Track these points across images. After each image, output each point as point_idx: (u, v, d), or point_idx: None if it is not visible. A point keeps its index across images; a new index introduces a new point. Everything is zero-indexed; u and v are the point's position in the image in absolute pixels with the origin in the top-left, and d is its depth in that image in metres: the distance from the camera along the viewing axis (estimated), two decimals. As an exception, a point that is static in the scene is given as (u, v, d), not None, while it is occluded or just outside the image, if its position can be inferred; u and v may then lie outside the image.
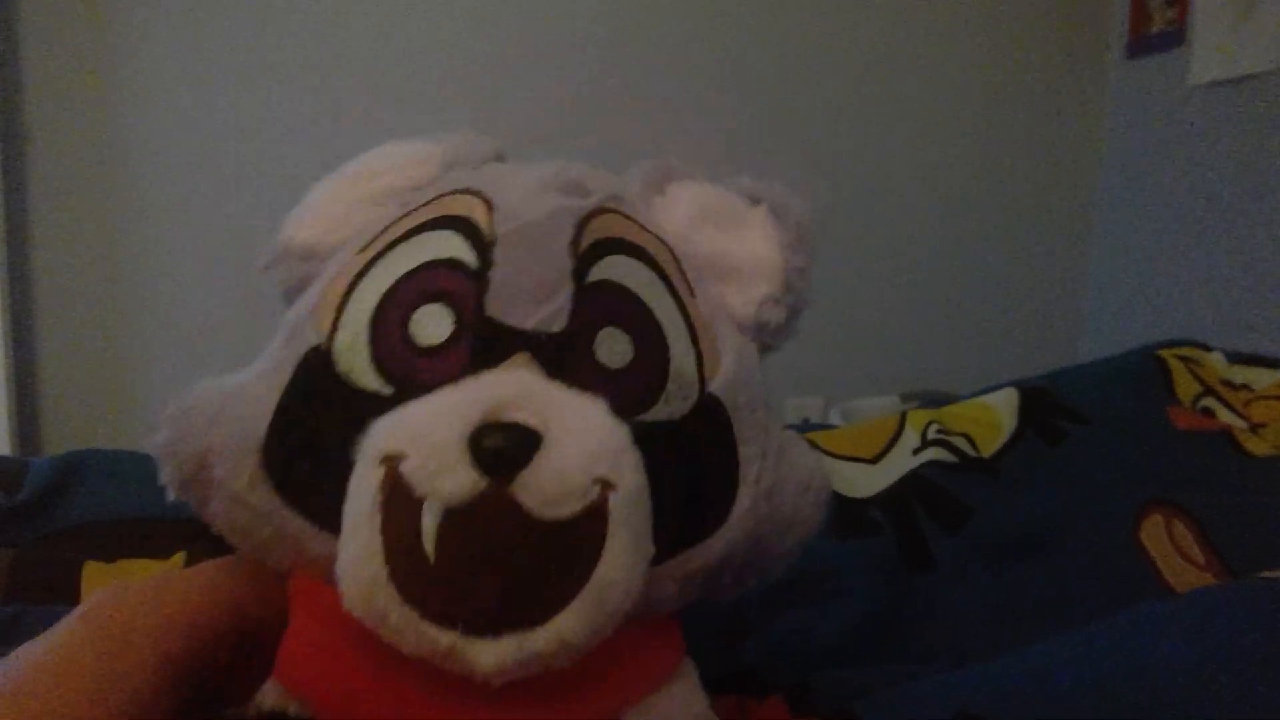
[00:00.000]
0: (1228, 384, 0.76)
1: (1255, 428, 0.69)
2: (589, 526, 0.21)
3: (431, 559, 0.20)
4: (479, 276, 0.25)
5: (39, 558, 0.52)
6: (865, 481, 0.62)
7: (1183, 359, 0.77)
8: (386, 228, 0.28)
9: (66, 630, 0.23)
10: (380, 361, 0.25)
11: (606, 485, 0.21)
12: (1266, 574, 0.44)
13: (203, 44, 1.62)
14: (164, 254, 1.67)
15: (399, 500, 0.21)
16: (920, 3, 1.76)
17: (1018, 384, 0.72)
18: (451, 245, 0.26)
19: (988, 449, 0.65)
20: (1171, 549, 0.56)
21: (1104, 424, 0.66)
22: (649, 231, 0.29)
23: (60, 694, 0.21)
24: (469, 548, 0.20)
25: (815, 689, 0.44)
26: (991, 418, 0.68)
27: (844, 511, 0.59)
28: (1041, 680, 0.39)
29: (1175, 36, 1.59)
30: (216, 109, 1.64)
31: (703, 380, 0.27)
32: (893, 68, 1.77)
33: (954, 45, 1.78)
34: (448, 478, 0.20)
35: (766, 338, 0.31)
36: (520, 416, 0.22)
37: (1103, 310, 1.84)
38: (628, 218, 0.29)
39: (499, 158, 0.33)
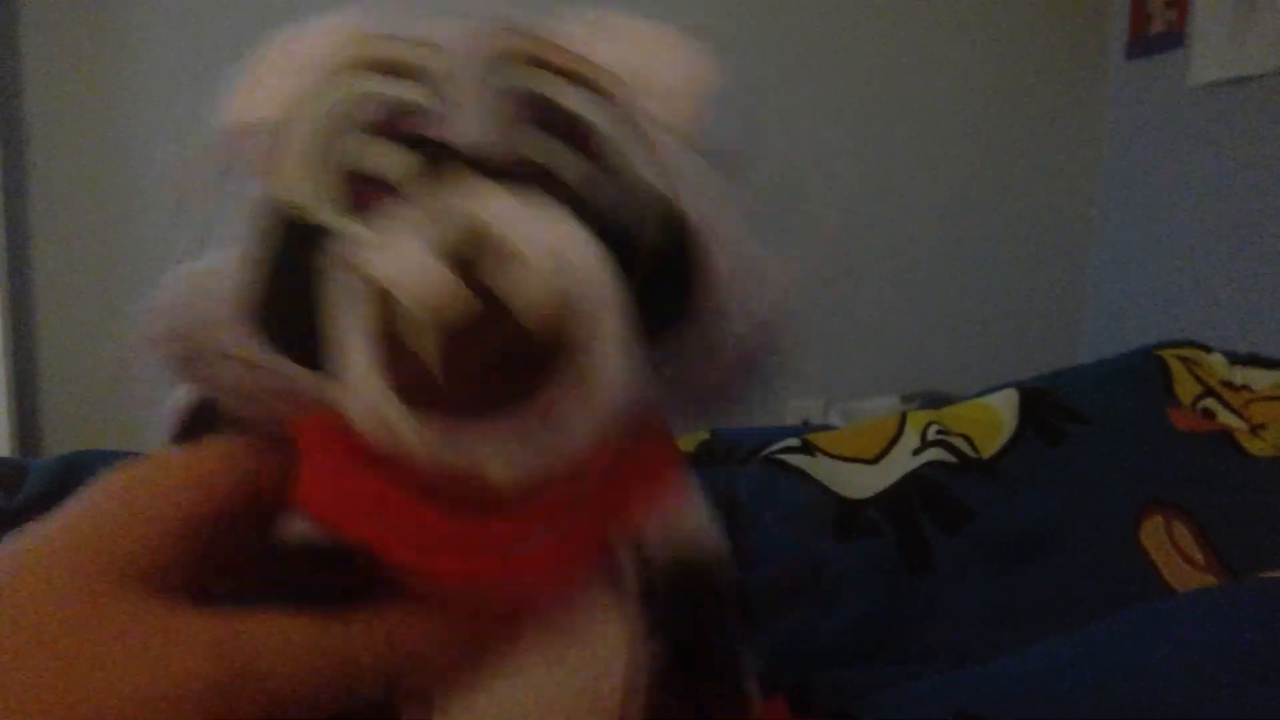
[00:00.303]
0: (1228, 385, 0.76)
1: (1255, 429, 0.70)
2: (576, 318, 0.22)
3: (437, 364, 0.21)
4: (425, 108, 0.26)
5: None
6: (865, 482, 0.62)
7: (1183, 359, 0.77)
8: (328, 84, 0.28)
9: (78, 499, 0.23)
10: (339, 200, 0.25)
11: (582, 279, 0.22)
12: (1266, 574, 0.44)
13: (203, 44, 1.62)
14: (164, 254, 1.67)
15: (389, 319, 0.21)
16: (920, 3, 1.76)
17: (1018, 384, 0.72)
18: (388, 84, 0.27)
19: (988, 449, 0.65)
20: (1171, 549, 0.56)
21: (1104, 424, 0.67)
22: (576, 52, 0.28)
23: (86, 560, 0.21)
24: (470, 346, 0.21)
25: (815, 689, 0.44)
26: (991, 418, 0.68)
27: (844, 512, 0.59)
28: (1041, 681, 0.39)
29: (1175, 37, 1.59)
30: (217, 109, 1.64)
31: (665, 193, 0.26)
32: (892, 68, 1.77)
33: (953, 45, 1.78)
34: (431, 286, 0.21)
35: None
36: (485, 223, 0.22)
37: (1103, 310, 1.84)
38: (553, 41, 0.28)
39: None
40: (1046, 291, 1.87)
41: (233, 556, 0.24)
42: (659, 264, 0.25)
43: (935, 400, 0.79)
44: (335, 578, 0.24)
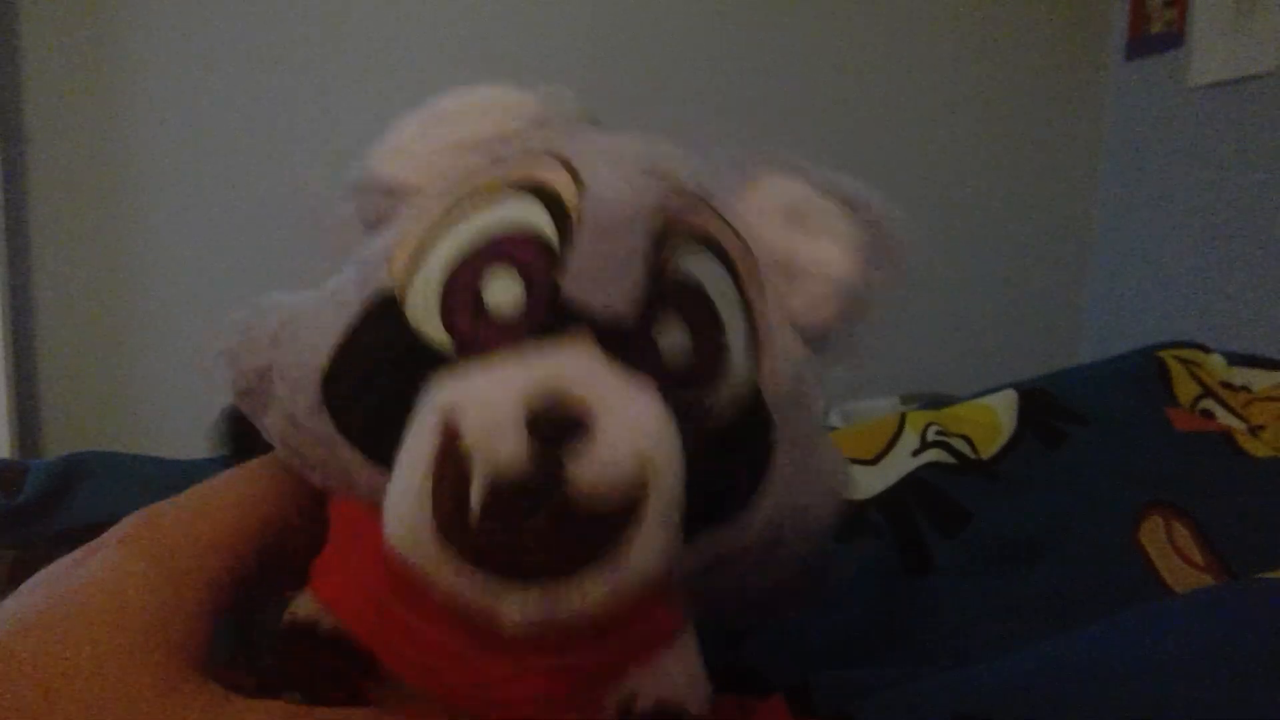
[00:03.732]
0: (1227, 386, 0.76)
1: (1255, 429, 0.70)
2: (625, 517, 0.22)
3: (476, 514, 0.21)
4: (556, 251, 0.26)
5: (41, 560, 0.52)
6: (864, 483, 0.62)
7: (1182, 360, 0.77)
8: (471, 180, 0.28)
9: (107, 561, 0.23)
10: (448, 317, 0.25)
11: (649, 466, 0.22)
12: (1266, 574, 0.44)
13: (203, 44, 1.62)
14: (164, 254, 1.67)
15: (452, 452, 0.21)
16: (919, 3, 1.76)
17: (1017, 385, 0.72)
18: (533, 214, 0.26)
19: (987, 451, 0.65)
20: (1171, 550, 0.56)
21: (1103, 425, 0.67)
22: (729, 225, 0.29)
23: (117, 631, 0.21)
24: (513, 509, 0.21)
25: (815, 689, 0.44)
26: (991, 419, 0.68)
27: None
28: (1041, 681, 0.40)
29: (1174, 37, 1.59)
30: (217, 109, 1.64)
31: (756, 389, 0.27)
32: (892, 68, 1.77)
33: (953, 46, 1.78)
34: (499, 438, 0.21)
35: (821, 343, 0.31)
36: (576, 391, 0.22)
37: (1103, 310, 1.84)
38: (711, 208, 0.28)
39: (591, 119, 0.33)
40: (1046, 291, 1.87)
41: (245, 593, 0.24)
42: (724, 453, 0.26)
43: (936, 401, 0.79)
44: (330, 660, 0.24)
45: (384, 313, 0.26)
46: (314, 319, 0.27)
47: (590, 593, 0.22)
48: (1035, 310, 1.85)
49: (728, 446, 0.26)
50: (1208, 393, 0.74)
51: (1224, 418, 0.71)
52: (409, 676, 0.24)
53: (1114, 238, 1.78)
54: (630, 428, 0.22)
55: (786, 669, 0.47)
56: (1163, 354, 0.77)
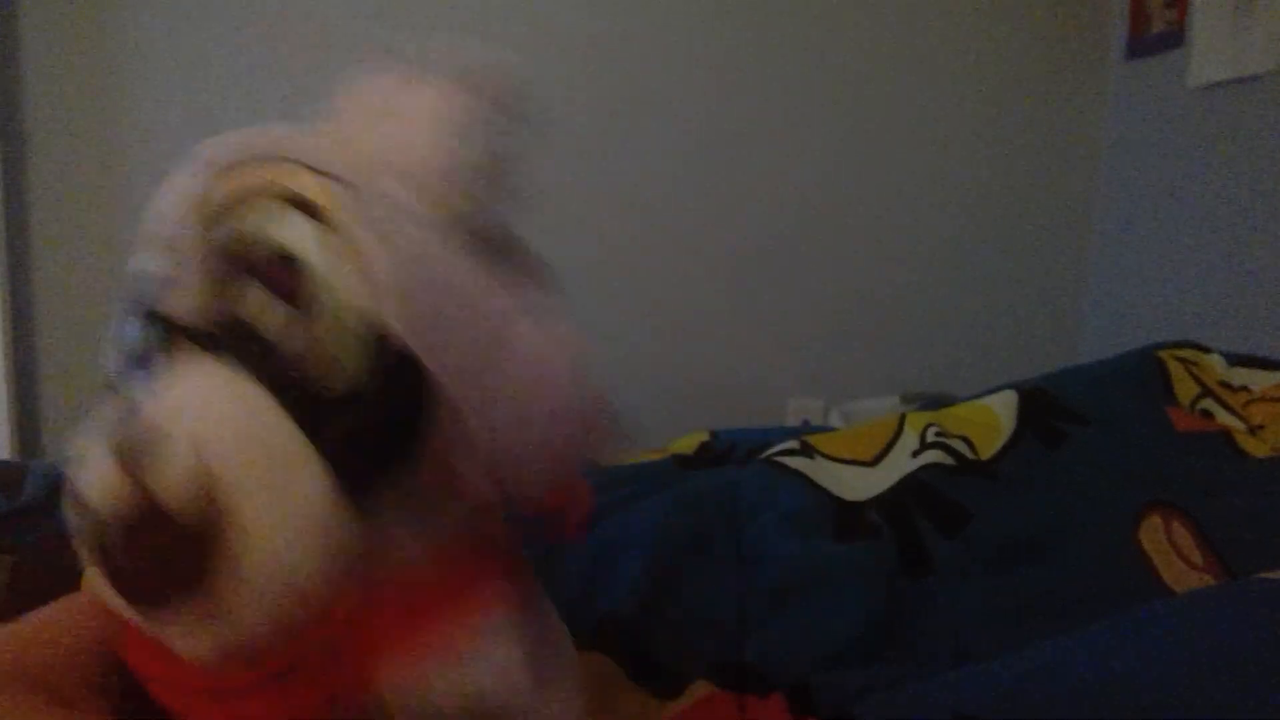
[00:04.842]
0: (1226, 386, 0.76)
1: (1254, 429, 0.70)
2: (212, 511, 0.22)
3: (111, 555, 0.23)
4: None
5: (40, 561, 0.52)
6: (864, 484, 0.62)
7: (1182, 360, 0.77)
8: None
9: (14, 625, 0.28)
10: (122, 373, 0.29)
11: (214, 475, 0.22)
12: (1266, 574, 0.44)
13: (203, 44, 1.62)
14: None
15: (85, 512, 0.24)
16: (920, 4, 1.76)
17: (1017, 385, 0.72)
18: (147, 259, 0.28)
19: (987, 451, 0.65)
20: (1170, 550, 0.56)
21: (1103, 425, 0.67)
22: (313, 169, 0.27)
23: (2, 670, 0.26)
24: (128, 538, 0.23)
25: (815, 689, 0.44)
26: (990, 420, 0.68)
27: (843, 514, 0.59)
28: (1040, 681, 0.40)
29: (1174, 38, 1.59)
30: (217, 109, 1.64)
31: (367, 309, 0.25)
32: (893, 69, 1.77)
33: (954, 46, 1.78)
34: (100, 490, 0.23)
35: (468, 227, 0.28)
36: (147, 416, 0.24)
37: (1103, 310, 1.84)
38: (287, 161, 0.28)
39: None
40: (1046, 291, 1.87)
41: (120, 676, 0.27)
42: (366, 402, 0.25)
43: (936, 401, 0.79)
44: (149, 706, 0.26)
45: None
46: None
47: (234, 602, 0.22)
48: (1035, 310, 1.85)
49: (365, 386, 0.25)
50: (1207, 392, 0.74)
51: (1224, 417, 0.71)
52: (179, 713, 0.25)
53: (1114, 238, 1.78)
54: (191, 428, 0.23)
55: (787, 668, 0.47)
56: (1162, 354, 0.77)
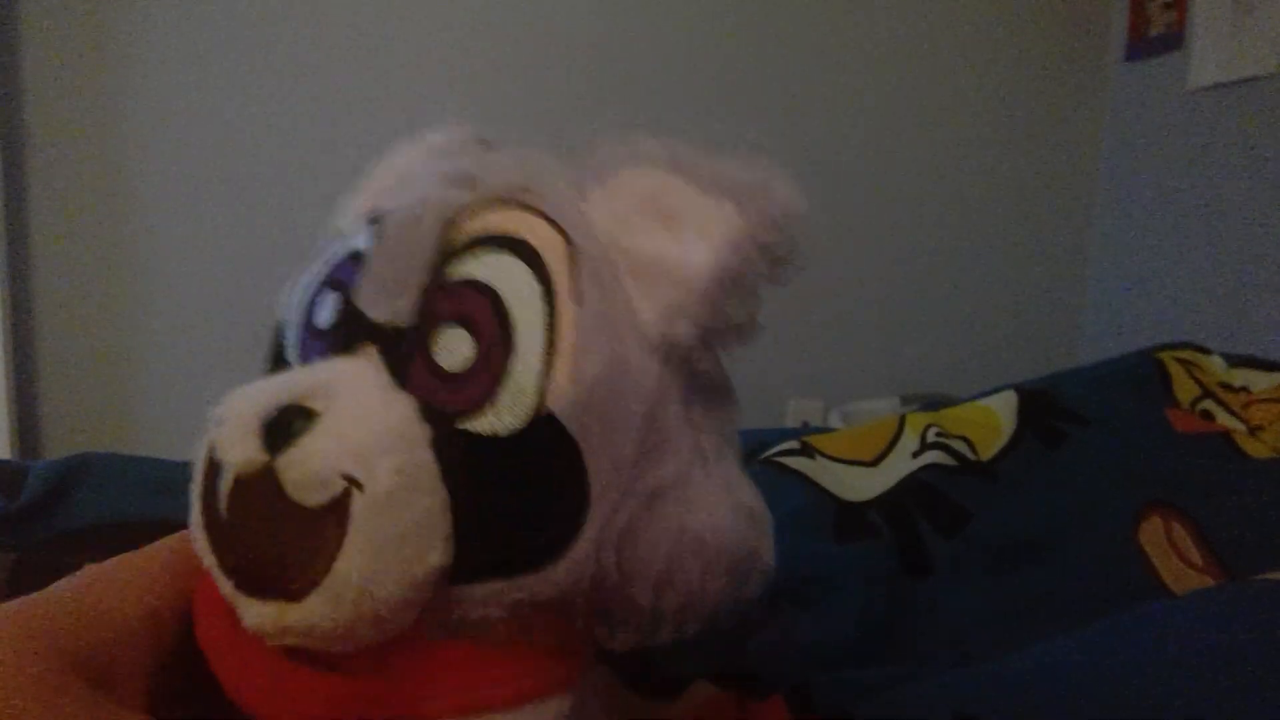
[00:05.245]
0: (1226, 386, 0.76)
1: (1254, 430, 0.70)
2: (333, 519, 0.22)
3: (224, 517, 0.23)
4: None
5: (41, 561, 0.52)
6: (864, 484, 0.62)
7: (1182, 361, 0.77)
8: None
9: (46, 594, 0.24)
10: (299, 344, 0.28)
11: (353, 483, 0.22)
12: (1266, 575, 0.45)
13: (203, 44, 1.62)
14: (164, 255, 1.67)
15: (211, 463, 0.24)
16: (920, 5, 1.76)
17: (1017, 386, 0.72)
18: (363, 237, 0.28)
19: (987, 452, 0.65)
20: (1170, 551, 0.56)
21: (1103, 426, 0.67)
22: (556, 227, 0.26)
23: (39, 649, 0.22)
24: (243, 512, 0.23)
25: (815, 689, 0.44)
26: (991, 420, 0.68)
27: (843, 514, 0.59)
28: (1040, 681, 0.40)
29: (1174, 39, 1.59)
30: (217, 109, 1.64)
31: (543, 395, 0.24)
32: (893, 69, 1.77)
33: (954, 47, 1.78)
34: (234, 447, 0.23)
35: (684, 354, 0.26)
36: (313, 403, 0.24)
37: (1103, 311, 1.84)
38: (532, 210, 0.27)
39: (482, 143, 0.34)
40: (1046, 292, 1.87)
41: (176, 656, 0.25)
42: (515, 491, 0.24)
43: (936, 402, 0.79)
44: (219, 696, 0.25)
45: (273, 343, 0.29)
46: None
47: (308, 608, 0.22)
48: (1035, 310, 1.85)
49: (513, 471, 0.24)
50: (1207, 393, 0.74)
51: (1224, 418, 0.71)
52: (241, 698, 0.25)
53: (1114, 238, 1.78)
54: (341, 433, 0.23)
55: (787, 669, 0.47)
56: (1162, 355, 0.77)
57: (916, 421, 0.69)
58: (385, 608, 0.23)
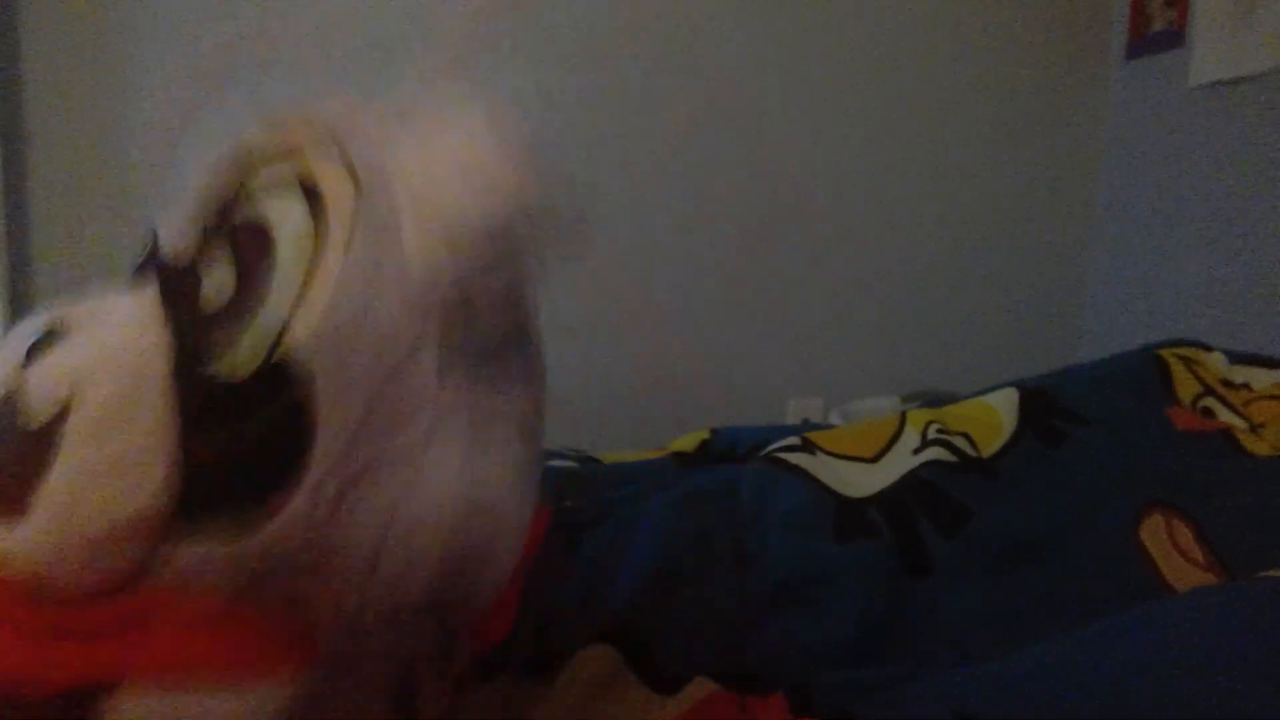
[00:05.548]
0: (1227, 383, 0.76)
1: (1255, 427, 0.69)
2: (46, 441, 0.23)
3: None
4: None
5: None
6: (865, 481, 0.62)
7: (1183, 359, 0.77)
8: None
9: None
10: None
11: (66, 405, 0.23)
12: (1266, 574, 0.44)
13: (203, 45, 1.62)
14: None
15: None
16: (921, 5, 1.76)
17: (1018, 384, 0.72)
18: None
19: (987, 449, 0.65)
20: (1171, 548, 0.56)
21: (1104, 424, 0.66)
22: (353, 176, 0.27)
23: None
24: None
25: (815, 689, 0.44)
26: (991, 417, 0.68)
27: (844, 512, 0.59)
28: (1040, 681, 0.39)
29: (1175, 37, 1.59)
30: (217, 110, 1.64)
31: (280, 341, 0.24)
32: (894, 69, 1.77)
33: (954, 47, 1.78)
34: (3, 365, 0.25)
35: (453, 311, 0.26)
36: (67, 329, 0.25)
37: (1103, 310, 1.84)
38: (334, 159, 0.27)
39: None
40: (1046, 291, 1.87)
41: None
42: (242, 400, 0.24)
43: (935, 399, 0.79)
44: None
45: None
46: None
47: (32, 522, 0.23)
48: (1035, 310, 1.85)
49: (240, 417, 0.24)
50: (1208, 390, 0.74)
51: (1225, 415, 0.71)
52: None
53: (1114, 237, 1.78)
54: (73, 355, 0.24)
55: (787, 669, 0.47)
56: (1163, 352, 0.77)
57: (918, 418, 0.69)
58: (94, 541, 0.23)
